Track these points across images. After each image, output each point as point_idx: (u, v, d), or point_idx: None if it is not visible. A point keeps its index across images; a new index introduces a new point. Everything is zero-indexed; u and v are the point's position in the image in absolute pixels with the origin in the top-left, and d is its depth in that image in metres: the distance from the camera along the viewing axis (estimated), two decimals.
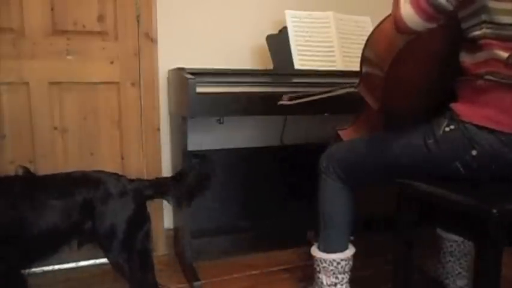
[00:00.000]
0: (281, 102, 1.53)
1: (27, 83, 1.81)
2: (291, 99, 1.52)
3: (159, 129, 2.03)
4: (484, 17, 1.12)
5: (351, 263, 1.49)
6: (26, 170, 1.39)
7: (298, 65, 1.88)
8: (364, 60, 1.33)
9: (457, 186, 1.17)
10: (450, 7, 1.08)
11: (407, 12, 1.09)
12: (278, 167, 2.15)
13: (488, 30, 1.12)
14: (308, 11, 1.99)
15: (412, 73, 1.28)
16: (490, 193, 1.15)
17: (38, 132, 1.85)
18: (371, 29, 1.33)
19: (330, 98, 1.50)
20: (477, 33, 1.14)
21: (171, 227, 2.12)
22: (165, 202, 2.04)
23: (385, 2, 1.50)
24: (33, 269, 1.88)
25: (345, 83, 1.60)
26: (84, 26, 1.86)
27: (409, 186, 1.27)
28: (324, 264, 1.46)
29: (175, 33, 2.02)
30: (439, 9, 1.07)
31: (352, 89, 1.48)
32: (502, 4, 1.10)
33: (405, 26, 1.11)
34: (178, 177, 1.47)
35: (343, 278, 1.47)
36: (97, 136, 1.95)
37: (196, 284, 1.75)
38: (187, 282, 1.80)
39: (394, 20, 1.13)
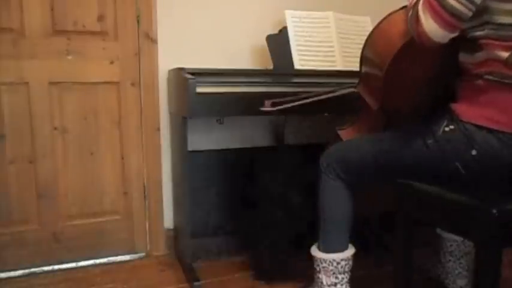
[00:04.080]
0: (263, 109, 1.50)
1: (27, 83, 1.81)
2: (273, 105, 1.50)
3: (159, 129, 2.03)
4: (486, 17, 1.12)
5: (350, 263, 1.48)
6: None
7: (298, 65, 1.88)
8: (363, 60, 1.33)
9: (457, 186, 1.17)
10: (470, 13, 1.08)
11: (431, 27, 1.08)
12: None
13: (490, 31, 1.12)
14: (308, 11, 1.99)
15: (412, 73, 1.28)
16: (490, 193, 1.15)
17: (38, 132, 1.85)
18: (371, 29, 1.33)
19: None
20: (479, 33, 1.14)
21: (171, 227, 2.12)
22: (165, 202, 2.07)
23: (385, 2, 1.51)
24: (33, 269, 1.89)
25: (344, 83, 1.61)
26: (84, 26, 1.86)
27: (409, 186, 1.27)
28: (324, 264, 1.46)
29: (175, 33, 2.01)
30: (461, 18, 1.07)
31: (338, 93, 1.47)
32: (505, 5, 1.10)
33: (430, 41, 1.10)
34: None
35: (343, 278, 1.47)
36: (97, 136, 1.95)
37: (196, 284, 1.75)
38: (187, 282, 1.80)
39: (417, 36, 1.12)
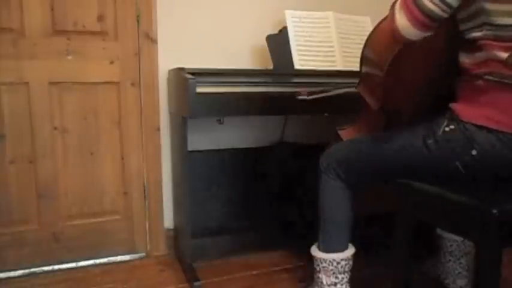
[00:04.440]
0: (300, 97, 1.54)
1: (27, 83, 1.81)
2: (309, 94, 1.53)
3: (159, 129, 2.03)
4: (483, 18, 1.12)
5: (351, 262, 1.49)
6: None
7: (298, 65, 1.88)
8: (363, 60, 1.33)
9: (457, 186, 1.17)
10: (445, 15, 1.09)
11: (403, 24, 1.11)
12: (278, 167, 2.15)
13: (488, 32, 1.12)
14: (308, 11, 1.99)
15: (412, 73, 1.28)
16: (490, 193, 1.15)
17: (38, 132, 1.85)
18: (371, 29, 1.33)
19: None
20: (477, 34, 1.14)
21: (171, 227, 2.12)
22: (165, 202, 2.07)
23: (385, 2, 1.50)
24: (33, 269, 1.89)
25: (346, 83, 1.61)
26: (84, 26, 1.86)
27: (409, 186, 1.27)
28: (324, 264, 1.46)
29: (175, 33, 2.01)
30: (433, 18, 1.09)
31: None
32: (501, 6, 1.11)
33: (402, 37, 1.13)
34: None
35: (343, 278, 1.47)
36: (97, 136, 1.95)
37: (196, 284, 1.75)
38: (187, 282, 1.80)
39: (391, 31, 1.15)
